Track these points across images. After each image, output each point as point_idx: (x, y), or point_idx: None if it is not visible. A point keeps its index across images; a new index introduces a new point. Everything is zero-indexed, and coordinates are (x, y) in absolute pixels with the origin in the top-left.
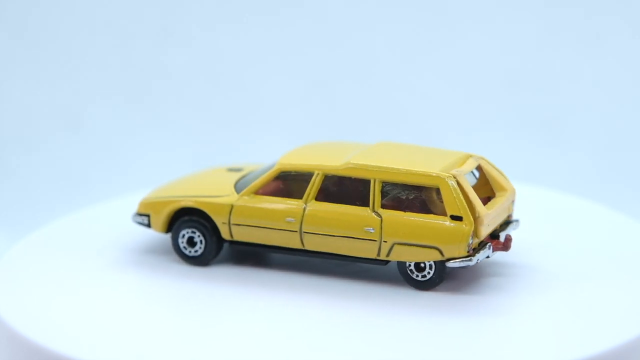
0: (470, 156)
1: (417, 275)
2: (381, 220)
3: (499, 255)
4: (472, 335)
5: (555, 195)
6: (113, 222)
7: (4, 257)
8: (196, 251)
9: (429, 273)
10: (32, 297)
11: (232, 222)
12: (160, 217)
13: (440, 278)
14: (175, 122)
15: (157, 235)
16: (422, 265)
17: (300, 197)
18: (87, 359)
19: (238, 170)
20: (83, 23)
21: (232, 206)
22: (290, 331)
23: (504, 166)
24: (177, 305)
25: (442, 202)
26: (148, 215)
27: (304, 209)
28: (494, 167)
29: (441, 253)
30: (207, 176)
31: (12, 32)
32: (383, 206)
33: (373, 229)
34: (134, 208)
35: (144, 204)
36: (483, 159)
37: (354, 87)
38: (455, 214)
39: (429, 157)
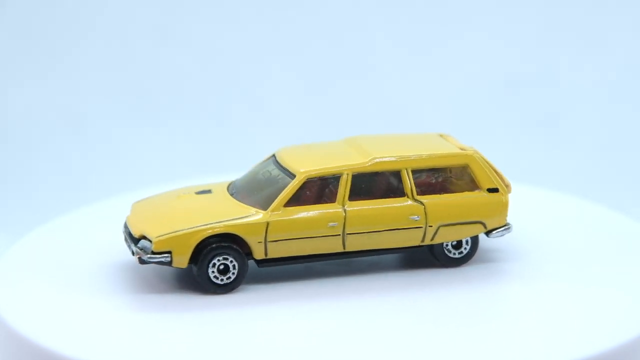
0: (441, 135)
1: (454, 253)
2: (424, 206)
3: (499, 255)
4: (471, 335)
5: (555, 196)
6: (113, 221)
7: (3, 256)
8: (229, 278)
9: (465, 249)
10: (32, 296)
11: (268, 239)
12: (186, 251)
13: (474, 250)
14: (175, 121)
15: None
16: (454, 242)
17: (333, 201)
18: (87, 359)
19: (208, 191)
20: (83, 22)
21: (267, 223)
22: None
23: (504, 166)
24: (178, 303)
25: (461, 179)
26: (170, 252)
27: (344, 211)
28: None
29: (484, 226)
30: (193, 202)
31: (12, 32)
32: (419, 193)
33: (418, 217)
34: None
35: (162, 241)
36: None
37: (353, 86)
38: (491, 186)
39: (428, 141)
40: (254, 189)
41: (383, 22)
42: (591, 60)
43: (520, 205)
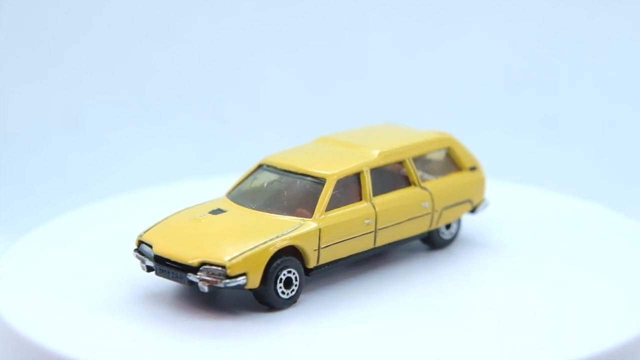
0: (391, 124)
1: (446, 234)
2: (430, 192)
3: (499, 255)
4: (471, 333)
5: (555, 196)
6: (112, 221)
7: (3, 256)
8: (292, 291)
9: (454, 228)
10: (32, 296)
11: (321, 245)
12: (260, 269)
13: (459, 228)
14: (175, 121)
15: None
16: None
17: (359, 199)
18: (87, 359)
19: (220, 210)
20: (82, 22)
21: (320, 230)
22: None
23: (504, 166)
24: (177, 305)
25: (444, 162)
26: (245, 274)
27: (374, 207)
28: None
29: (471, 203)
30: (224, 222)
31: (12, 31)
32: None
33: (428, 203)
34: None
35: (236, 263)
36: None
37: (353, 86)
38: (472, 165)
39: (400, 130)
40: (273, 199)
41: (383, 22)
42: (591, 61)
43: (520, 205)
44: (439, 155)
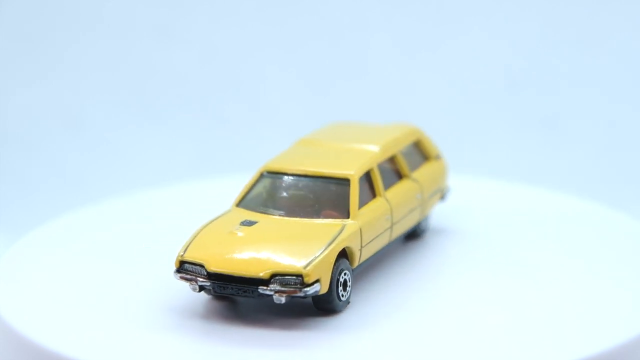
0: (345, 122)
1: (422, 225)
2: (419, 183)
3: (498, 255)
4: (471, 331)
5: (555, 196)
6: (112, 221)
7: (3, 256)
8: (348, 292)
9: (427, 217)
10: (32, 296)
11: (362, 244)
12: (328, 274)
13: (429, 217)
14: (175, 121)
15: (157, 233)
16: None
17: (374, 195)
18: (87, 359)
19: (252, 222)
20: (82, 22)
21: (360, 229)
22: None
23: (504, 166)
24: (179, 306)
25: (413, 153)
26: (319, 280)
27: (388, 202)
28: None
29: (441, 191)
30: (268, 231)
31: (12, 32)
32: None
33: (420, 194)
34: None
35: (311, 271)
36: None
37: (353, 86)
38: (438, 154)
39: (369, 127)
40: (299, 205)
41: (383, 22)
42: (591, 61)
43: (520, 205)
44: (414, 147)
